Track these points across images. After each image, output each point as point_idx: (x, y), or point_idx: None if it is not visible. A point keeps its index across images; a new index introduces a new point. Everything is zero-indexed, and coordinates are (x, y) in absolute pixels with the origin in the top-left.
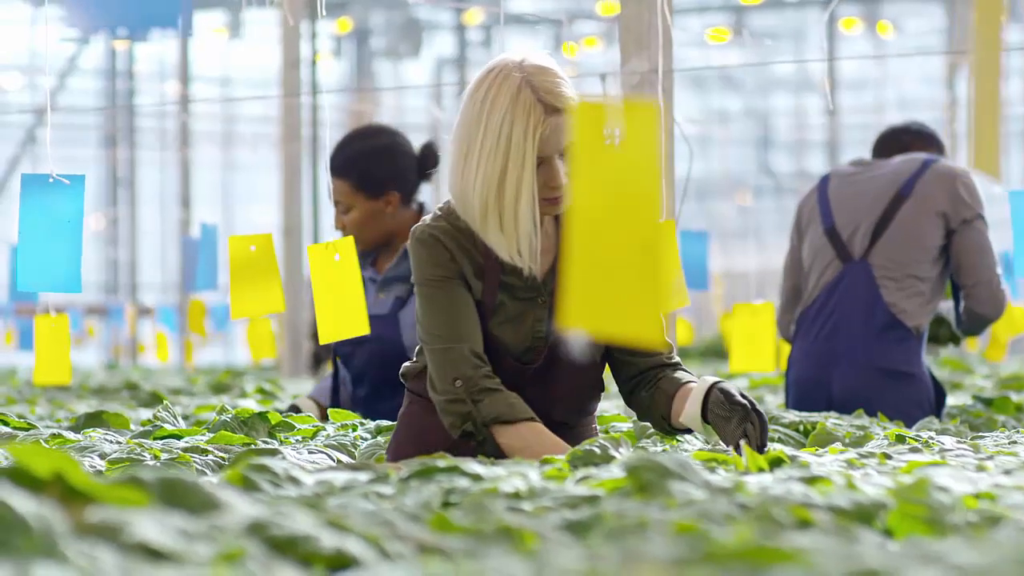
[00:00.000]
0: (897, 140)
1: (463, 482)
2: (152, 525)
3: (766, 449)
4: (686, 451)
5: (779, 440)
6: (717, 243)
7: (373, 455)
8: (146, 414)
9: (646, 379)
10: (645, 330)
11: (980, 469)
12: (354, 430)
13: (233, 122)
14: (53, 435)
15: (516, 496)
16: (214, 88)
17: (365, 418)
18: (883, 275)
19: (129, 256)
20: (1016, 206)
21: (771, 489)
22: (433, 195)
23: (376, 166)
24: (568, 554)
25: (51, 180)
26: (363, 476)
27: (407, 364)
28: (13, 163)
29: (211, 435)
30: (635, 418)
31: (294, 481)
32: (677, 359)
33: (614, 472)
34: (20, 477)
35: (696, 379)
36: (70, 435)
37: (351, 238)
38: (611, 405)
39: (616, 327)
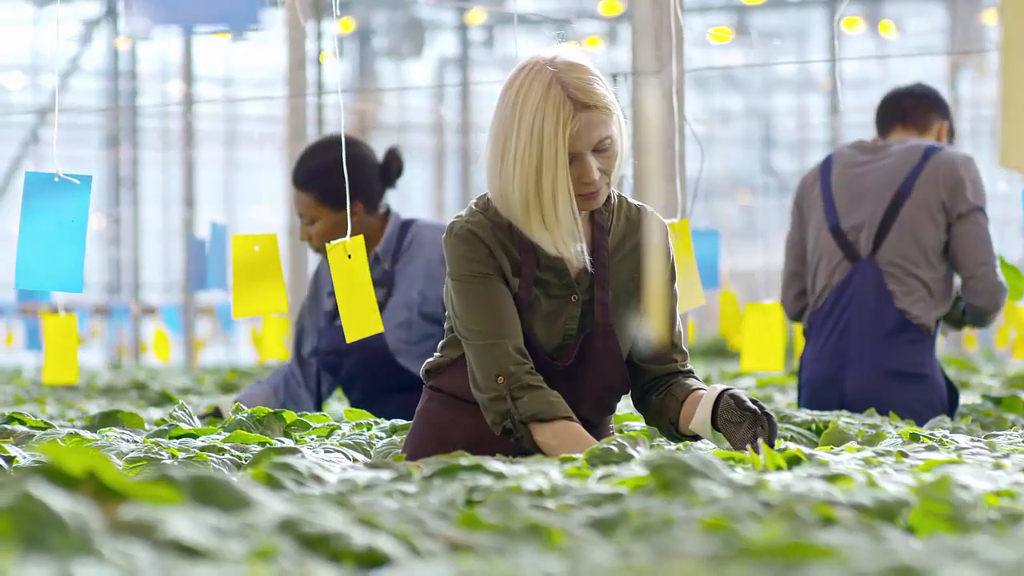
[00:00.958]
0: (899, 105)
1: (486, 480)
2: (185, 523)
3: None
4: (701, 450)
5: (791, 439)
6: (720, 242)
7: (389, 454)
8: (156, 413)
9: (658, 384)
10: None
11: (997, 467)
12: (368, 429)
13: (236, 122)
14: (70, 434)
15: (539, 494)
16: (217, 88)
17: None
18: (890, 275)
19: (131, 256)
20: None
21: (793, 487)
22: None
23: (339, 178)
24: (601, 551)
25: (56, 179)
26: (385, 475)
27: (430, 360)
28: (16, 163)
29: (227, 434)
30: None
31: (317, 479)
32: (690, 367)
33: (636, 470)
34: (54, 475)
35: (706, 387)
36: (87, 434)
37: (360, 237)
38: (622, 404)
39: None
